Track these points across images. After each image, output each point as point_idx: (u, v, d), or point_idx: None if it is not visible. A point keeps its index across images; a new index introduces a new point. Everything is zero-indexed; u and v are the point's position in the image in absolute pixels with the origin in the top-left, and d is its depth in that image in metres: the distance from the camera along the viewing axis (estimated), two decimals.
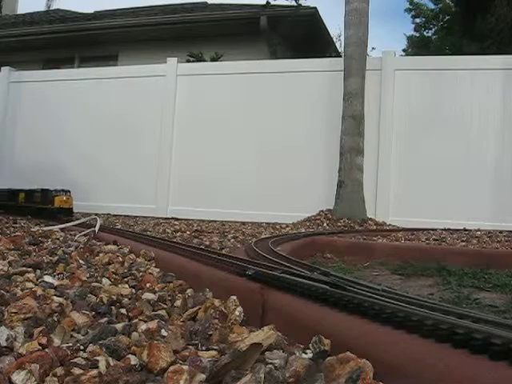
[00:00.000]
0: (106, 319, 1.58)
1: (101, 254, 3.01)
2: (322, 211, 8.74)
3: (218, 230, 6.50)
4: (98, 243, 3.68)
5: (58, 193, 6.56)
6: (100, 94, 10.98)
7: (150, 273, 2.52)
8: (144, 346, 1.24)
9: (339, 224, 7.95)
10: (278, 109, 9.77)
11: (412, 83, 9.19)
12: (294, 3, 12.05)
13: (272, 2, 11.95)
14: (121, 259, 2.89)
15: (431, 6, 19.10)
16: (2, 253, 2.82)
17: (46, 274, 2.27)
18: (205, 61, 11.67)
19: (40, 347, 1.23)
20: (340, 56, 11.15)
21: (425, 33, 20.43)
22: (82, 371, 1.09)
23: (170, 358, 1.19)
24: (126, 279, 2.36)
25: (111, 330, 1.41)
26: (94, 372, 1.08)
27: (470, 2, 13.29)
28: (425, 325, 1.20)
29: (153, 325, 1.47)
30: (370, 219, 8.45)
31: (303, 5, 12.11)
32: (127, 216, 8.97)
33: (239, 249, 3.87)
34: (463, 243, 5.66)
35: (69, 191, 6.70)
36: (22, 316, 1.47)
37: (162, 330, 1.45)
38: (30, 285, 1.99)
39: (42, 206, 6.68)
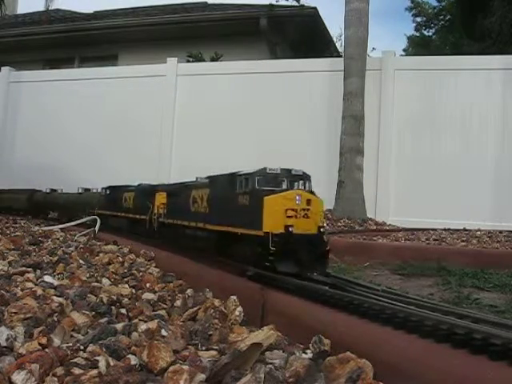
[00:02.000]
0: (106, 319, 1.58)
1: (101, 254, 3.01)
2: None
3: None
4: (98, 243, 3.68)
5: (271, 184, 2.47)
6: (100, 93, 10.98)
7: (149, 273, 2.52)
8: (144, 346, 1.24)
9: (339, 224, 7.94)
10: (277, 109, 9.76)
11: (412, 83, 9.18)
12: (295, 3, 12.06)
13: (274, 2, 11.96)
14: (121, 259, 2.89)
15: (434, 3, 19.06)
16: (2, 253, 2.81)
17: (46, 274, 2.27)
18: (204, 61, 11.66)
19: (40, 347, 1.23)
20: (340, 56, 11.13)
21: (425, 32, 20.43)
22: (82, 371, 1.09)
23: (170, 358, 1.19)
24: (125, 279, 2.36)
25: (111, 330, 1.41)
26: (94, 372, 1.08)
27: (470, 2, 13.29)
28: (425, 325, 1.20)
29: (153, 325, 1.47)
30: (370, 219, 8.44)
31: (304, 5, 12.12)
32: None
33: None
34: (463, 243, 5.65)
35: (306, 178, 2.64)
36: (22, 316, 1.47)
37: (162, 330, 1.45)
38: (29, 285, 1.99)
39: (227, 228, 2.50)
